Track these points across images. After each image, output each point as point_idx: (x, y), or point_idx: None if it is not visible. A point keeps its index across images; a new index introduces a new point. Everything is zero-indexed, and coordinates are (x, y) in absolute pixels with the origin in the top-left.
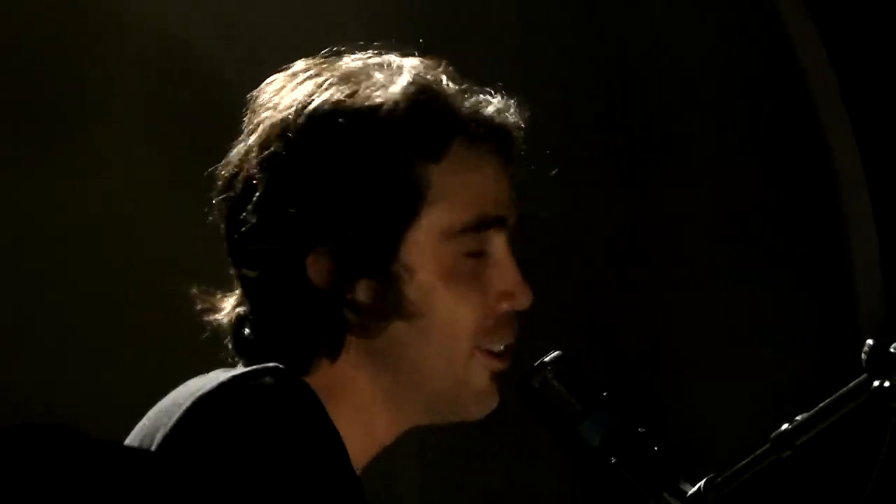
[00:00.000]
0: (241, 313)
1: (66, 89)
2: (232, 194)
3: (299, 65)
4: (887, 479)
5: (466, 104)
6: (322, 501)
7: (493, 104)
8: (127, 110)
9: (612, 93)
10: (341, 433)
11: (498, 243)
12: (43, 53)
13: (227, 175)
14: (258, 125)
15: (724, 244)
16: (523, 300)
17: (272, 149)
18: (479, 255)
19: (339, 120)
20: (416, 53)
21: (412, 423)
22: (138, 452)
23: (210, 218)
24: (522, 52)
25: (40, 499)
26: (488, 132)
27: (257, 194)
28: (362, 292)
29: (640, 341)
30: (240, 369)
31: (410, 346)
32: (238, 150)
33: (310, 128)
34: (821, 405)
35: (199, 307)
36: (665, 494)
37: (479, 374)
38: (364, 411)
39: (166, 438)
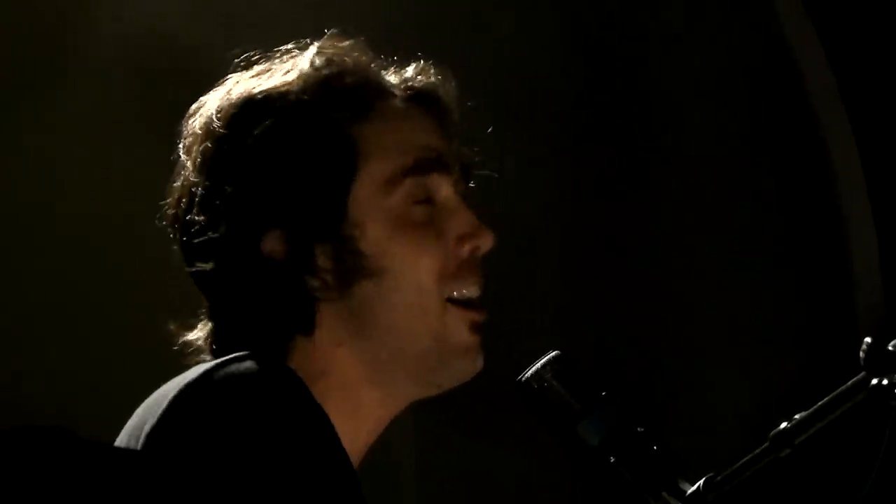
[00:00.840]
0: (211, 332)
1: (58, 86)
2: (179, 213)
3: (223, 81)
4: (887, 477)
5: (381, 69)
6: (314, 485)
7: (412, 69)
8: (121, 108)
9: (612, 95)
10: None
11: (445, 188)
12: (35, 52)
13: (173, 199)
14: (187, 141)
15: (722, 243)
16: (485, 240)
17: (204, 153)
18: (427, 201)
19: (257, 101)
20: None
21: (403, 398)
22: (125, 451)
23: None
24: (520, 48)
25: (30, 500)
26: (410, 92)
27: (199, 194)
28: (321, 259)
29: (638, 340)
30: (221, 359)
31: (381, 306)
32: (175, 175)
33: (232, 119)
34: (819, 403)
35: (178, 342)
36: (664, 493)
37: (457, 327)
38: (352, 391)
39: (153, 430)
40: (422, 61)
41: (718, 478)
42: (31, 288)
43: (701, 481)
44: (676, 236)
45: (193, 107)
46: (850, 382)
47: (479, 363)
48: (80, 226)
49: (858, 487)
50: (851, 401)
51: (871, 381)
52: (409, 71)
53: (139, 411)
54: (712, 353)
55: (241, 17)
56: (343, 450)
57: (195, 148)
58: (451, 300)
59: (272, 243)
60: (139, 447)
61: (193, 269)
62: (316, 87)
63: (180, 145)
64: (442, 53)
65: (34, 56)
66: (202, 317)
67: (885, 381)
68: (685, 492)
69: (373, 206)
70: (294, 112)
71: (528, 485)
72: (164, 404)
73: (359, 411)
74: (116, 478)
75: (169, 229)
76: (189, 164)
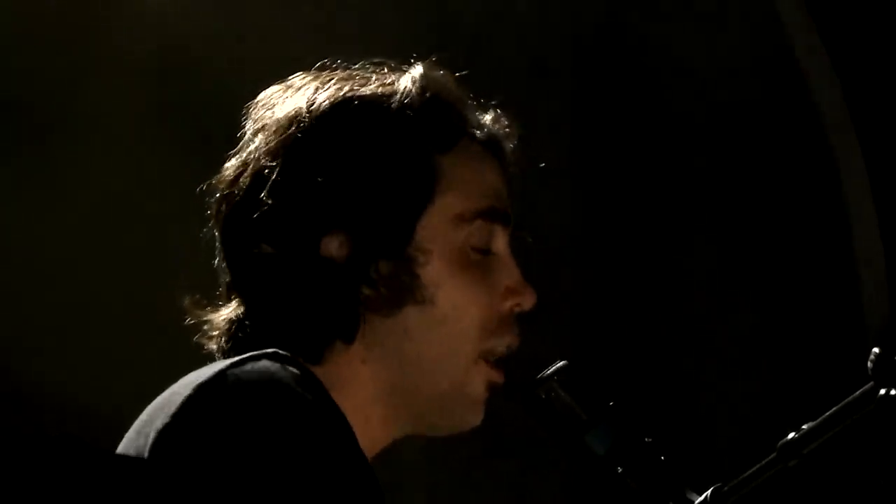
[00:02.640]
0: (237, 318)
1: (65, 89)
2: (236, 190)
3: (296, 77)
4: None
5: (470, 105)
6: (334, 486)
7: (490, 116)
8: (124, 109)
9: (617, 103)
10: None
11: (502, 242)
12: (40, 54)
13: (229, 177)
14: (262, 127)
15: (730, 252)
16: (528, 298)
17: (286, 140)
18: (486, 252)
19: (354, 105)
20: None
21: (401, 429)
22: (133, 459)
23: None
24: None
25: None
26: (489, 136)
27: (272, 181)
28: (379, 272)
29: (646, 350)
30: (235, 358)
31: (420, 335)
32: (239, 156)
33: (326, 114)
34: (827, 414)
35: (189, 319)
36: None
37: (478, 382)
38: (361, 410)
39: (165, 428)
40: (497, 111)
41: (726, 488)
42: (37, 289)
43: (708, 491)
44: (684, 246)
45: (266, 98)
46: (857, 392)
47: (480, 419)
48: (77, 227)
49: (866, 497)
50: (859, 411)
51: (879, 392)
52: (488, 117)
53: (148, 410)
54: (718, 359)
55: (240, 15)
56: (362, 453)
57: (273, 133)
58: (483, 355)
59: (335, 245)
60: (149, 445)
61: (235, 249)
62: (415, 107)
63: (249, 127)
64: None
65: (34, 57)
66: (221, 301)
67: (893, 392)
68: (692, 502)
69: (440, 237)
70: (390, 125)
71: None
72: (178, 402)
73: (363, 430)
74: (126, 483)
75: (215, 205)
76: (262, 146)
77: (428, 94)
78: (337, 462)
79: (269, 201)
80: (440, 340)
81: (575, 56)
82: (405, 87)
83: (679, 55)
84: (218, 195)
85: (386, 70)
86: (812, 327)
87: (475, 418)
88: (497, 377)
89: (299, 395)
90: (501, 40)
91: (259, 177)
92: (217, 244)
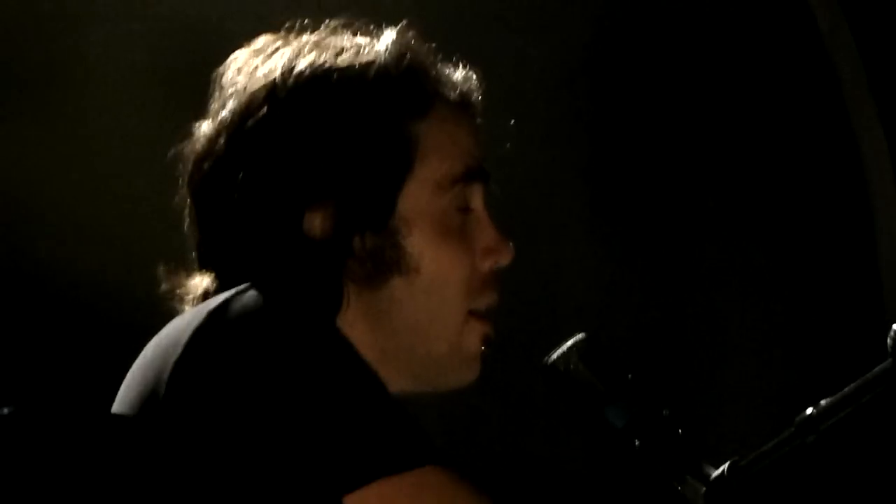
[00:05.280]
0: (214, 289)
1: (63, 54)
2: (211, 158)
3: (262, 40)
4: None
5: (440, 67)
6: (357, 404)
7: (459, 71)
8: (125, 73)
9: (635, 87)
10: None
11: (479, 198)
12: (39, 19)
13: (203, 143)
14: (231, 96)
15: (750, 224)
16: (506, 255)
17: (260, 113)
18: (465, 210)
19: (331, 77)
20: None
21: (394, 388)
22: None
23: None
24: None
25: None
26: (460, 95)
27: (248, 156)
28: (363, 245)
29: (664, 324)
30: (239, 287)
31: (407, 303)
32: (212, 121)
33: (300, 87)
34: (845, 390)
35: (164, 288)
36: (689, 477)
37: (473, 338)
38: None
39: (180, 361)
40: (462, 64)
41: (742, 462)
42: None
43: (725, 465)
44: (703, 224)
45: (234, 65)
46: (876, 369)
47: (477, 374)
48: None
49: (882, 475)
50: (878, 387)
51: None
52: (458, 75)
53: (148, 352)
54: (740, 333)
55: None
56: (382, 383)
57: (248, 101)
58: (471, 312)
59: (318, 221)
60: (166, 380)
61: (210, 219)
62: (391, 75)
63: (215, 101)
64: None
65: (34, 20)
66: (196, 269)
67: None
68: (710, 476)
69: (421, 206)
70: (366, 97)
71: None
72: (188, 333)
73: None
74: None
75: (189, 170)
76: (237, 113)
77: (403, 62)
78: (362, 382)
79: (250, 176)
80: (428, 306)
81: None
82: (379, 56)
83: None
84: (192, 160)
85: (357, 34)
86: (832, 303)
87: (473, 374)
88: (489, 330)
89: (306, 318)
90: None
91: (236, 147)
92: (188, 209)
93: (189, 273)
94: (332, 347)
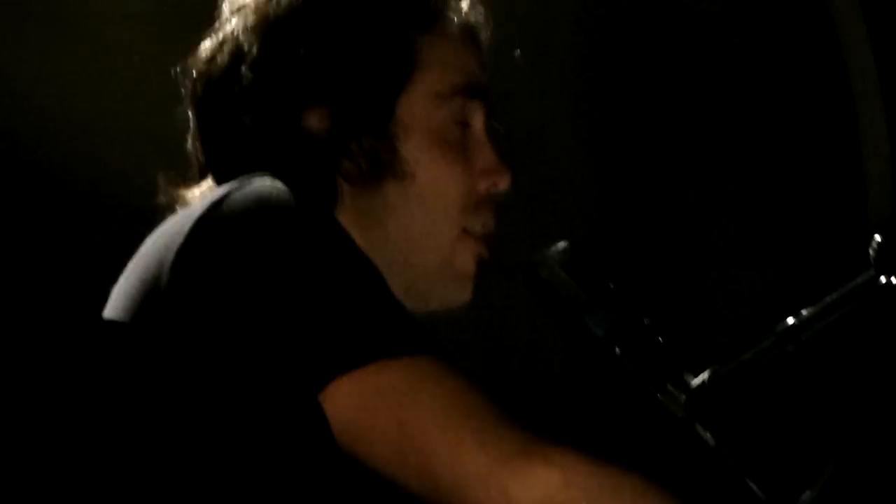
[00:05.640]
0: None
1: None
2: (214, 69)
3: None
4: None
5: None
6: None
7: (466, 1)
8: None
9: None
10: None
11: (480, 118)
12: None
13: (206, 56)
14: (240, 8)
15: (736, 134)
16: (503, 180)
17: (267, 18)
18: (464, 125)
19: None
20: None
21: None
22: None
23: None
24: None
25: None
26: (466, 22)
27: (253, 57)
28: (360, 147)
29: (647, 234)
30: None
31: (402, 210)
32: (216, 36)
33: None
34: (826, 300)
35: (162, 197)
36: (669, 385)
37: (466, 256)
38: None
39: (185, 244)
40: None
41: (723, 371)
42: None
43: (705, 374)
44: (694, 129)
45: None
46: (858, 280)
47: (470, 295)
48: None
49: (862, 384)
50: (859, 299)
51: (879, 280)
52: (465, 2)
53: (148, 243)
54: (723, 242)
55: None
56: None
57: (252, 12)
58: (466, 230)
59: (317, 119)
60: (168, 268)
61: (211, 126)
62: None
63: (225, 8)
64: None
65: None
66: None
67: (893, 280)
68: (690, 384)
69: (420, 114)
70: (371, 3)
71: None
72: (190, 222)
73: None
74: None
75: (191, 85)
76: (240, 25)
77: None
78: (363, 265)
79: (250, 75)
80: (422, 215)
81: None
82: None
83: None
84: (194, 74)
85: None
86: (816, 214)
87: (465, 294)
88: (483, 251)
89: (310, 204)
90: None
91: (238, 54)
92: (191, 125)
93: (188, 186)
94: (331, 234)
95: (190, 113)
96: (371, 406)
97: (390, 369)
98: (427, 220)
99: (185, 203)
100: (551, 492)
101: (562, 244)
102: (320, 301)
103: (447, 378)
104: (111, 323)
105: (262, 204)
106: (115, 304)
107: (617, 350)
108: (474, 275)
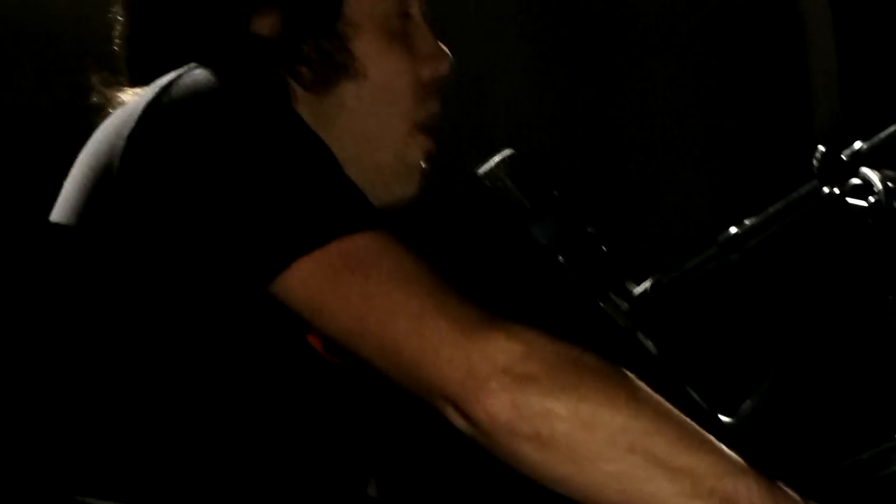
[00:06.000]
0: None
1: None
2: None
3: None
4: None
5: None
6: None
7: None
8: None
9: None
10: None
11: (416, 5)
12: None
13: None
14: None
15: (685, 39)
16: (444, 63)
17: None
18: (405, 16)
19: None
20: None
21: None
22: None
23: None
24: None
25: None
26: None
27: None
28: (310, 49)
29: (591, 142)
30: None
31: (356, 109)
32: None
33: None
34: (769, 210)
35: (95, 98)
36: (612, 294)
37: (417, 151)
38: None
39: (133, 133)
40: None
41: (665, 280)
42: None
43: (648, 282)
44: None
45: None
46: (801, 190)
47: (418, 188)
48: None
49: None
50: (802, 209)
51: (822, 190)
52: None
53: (98, 134)
54: (667, 152)
55: None
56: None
57: None
58: (418, 125)
59: (266, 23)
60: (119, 153)
61: (149, 28)
62: None
63: None
64: None
65: None
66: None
67: (836, 190)
68: (632, 293)
69: (366, 9)
70: None
71: None
72: (140, 108)
73: None
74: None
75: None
76: None
77: None
78: (313, 146)
79: None
80: (377, 112)
81: None
82: None
83: None
84: None
85: None
86: (761, 122)
87: (413, 188)
88: (431, 145)
89: (258, 89)
90: None
91: None
92: (124, 25)
93: (121, 87)
94: (283, 117)
95: (122, 16)
96: (333, 283)
97: (353, 243)
98: (382, 117)
99: (118, 103)
100: (512, 363)
101: (507, 152)
102: (274, 182)
103: (406, 252)
104: (56, 225)
105: (213, 86)
106: (67, 194)
107: (560, 258)
108: (423, 171)
